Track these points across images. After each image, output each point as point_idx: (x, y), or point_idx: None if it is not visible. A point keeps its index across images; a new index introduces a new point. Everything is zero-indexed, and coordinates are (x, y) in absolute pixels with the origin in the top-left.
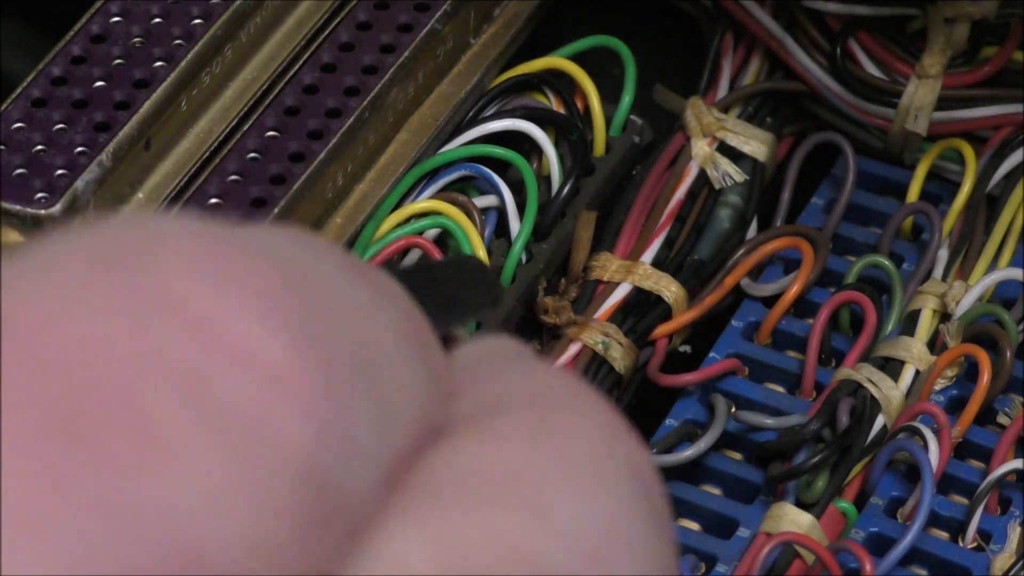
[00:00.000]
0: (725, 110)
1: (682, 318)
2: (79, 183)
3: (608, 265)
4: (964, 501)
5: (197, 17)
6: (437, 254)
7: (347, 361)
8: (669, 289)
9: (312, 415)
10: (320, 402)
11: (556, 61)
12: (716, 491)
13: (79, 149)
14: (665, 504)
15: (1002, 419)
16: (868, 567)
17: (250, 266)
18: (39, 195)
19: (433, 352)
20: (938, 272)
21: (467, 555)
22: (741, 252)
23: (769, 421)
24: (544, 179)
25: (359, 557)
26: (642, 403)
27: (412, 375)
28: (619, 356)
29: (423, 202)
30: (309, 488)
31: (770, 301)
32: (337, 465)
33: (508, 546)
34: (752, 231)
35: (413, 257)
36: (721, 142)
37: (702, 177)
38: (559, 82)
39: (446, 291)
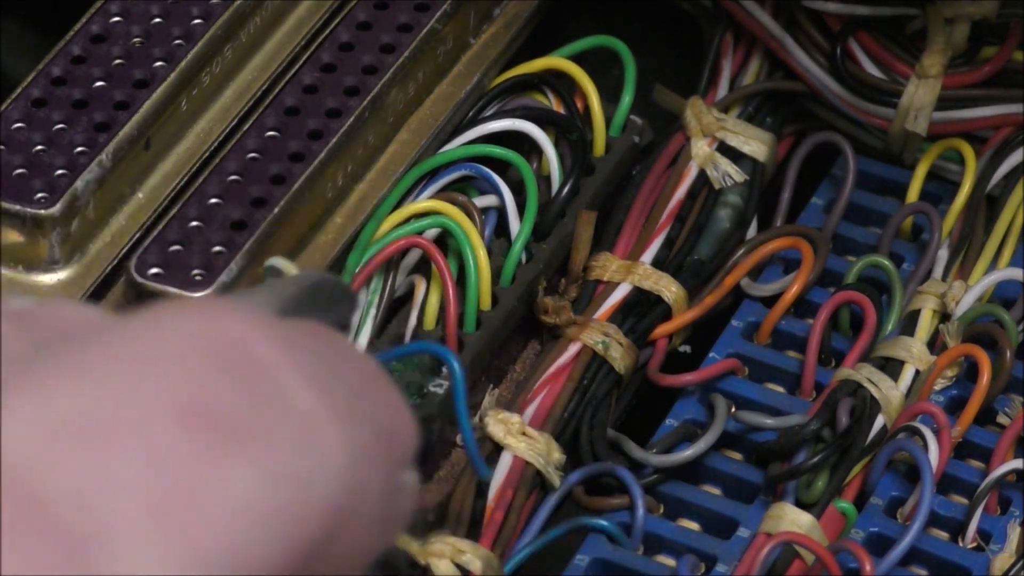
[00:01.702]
0: (725, 110)
1: (682, 318)
2: (79, 183)
3: (608, 265)
4: (964, 501)
5: (197, 17)
6: (437, 254)
7: None
8: (669, 289)
9: None
10: None
11: (556, 61)
12: (716, 491)
13: (79, 149)
14: None
15: (1002, 419)
16: (868, 567)
17: None
18: (39, 195)
19: None
20: (938, 272)
21: None
22: (741, 252)
23: (769, 421)
24: (544, 179)
25: None
26: (642, 403)
27: None
28: (619, 356)
29: (423, 202)
30: None
31: (770, 301)
32: None
33: None
34: (752, 231)
35: (413, 257)
36: (721, 142)
37: (702, 177)
38: (559, 82)
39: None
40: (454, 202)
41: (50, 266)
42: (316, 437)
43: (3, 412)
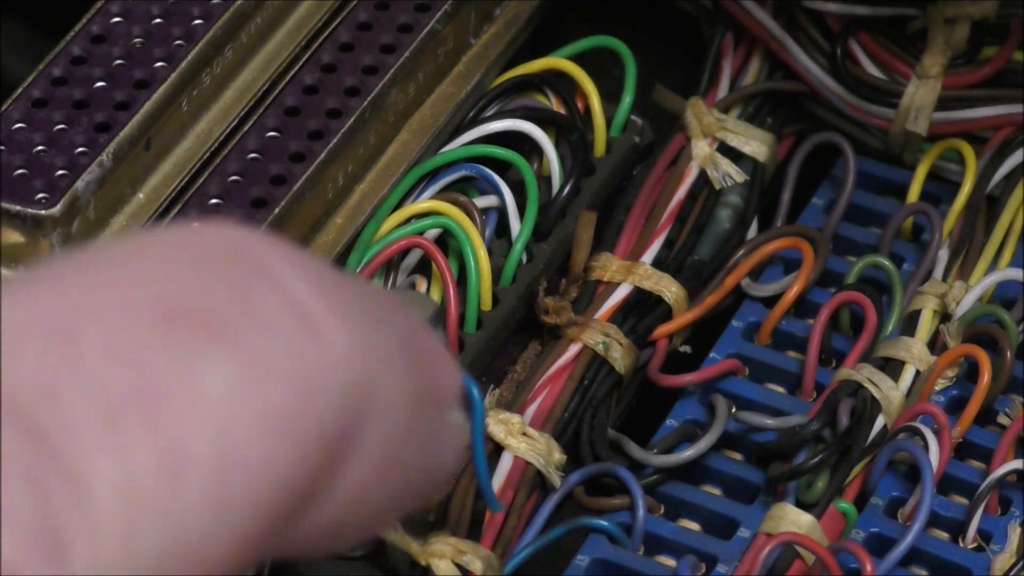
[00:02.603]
0: (725, 110)
1: (682, 318)
2: (79, 183)
3: (608, 265)
4: (964, 501)
5: (198, 17)
6: (438, 254)
7: None
8: (669, 289)
9: None
10: None
11: (556, 61)
12: (716, 491)
13: (80, 149)
14: None
15: (1002, 419)
16: (868, 567)
17: None
18: (40, 195)
19: None
20: (938, 272)
21: None
22: (741, 252)
23: (769, 421)
24: (544, 179)
25: None
26: (642, 403)
27: None
28: (619, 356)
29: (424, 202)
30: None
31: (770, 301)
32: None
33: None
34: (752, 231)
35: (414, 257)
36: (721, 142)
37: (702, 177)
38: (560, 82)
39: None
40: (455, 202)
41: None
42: (315, 329)
43: None
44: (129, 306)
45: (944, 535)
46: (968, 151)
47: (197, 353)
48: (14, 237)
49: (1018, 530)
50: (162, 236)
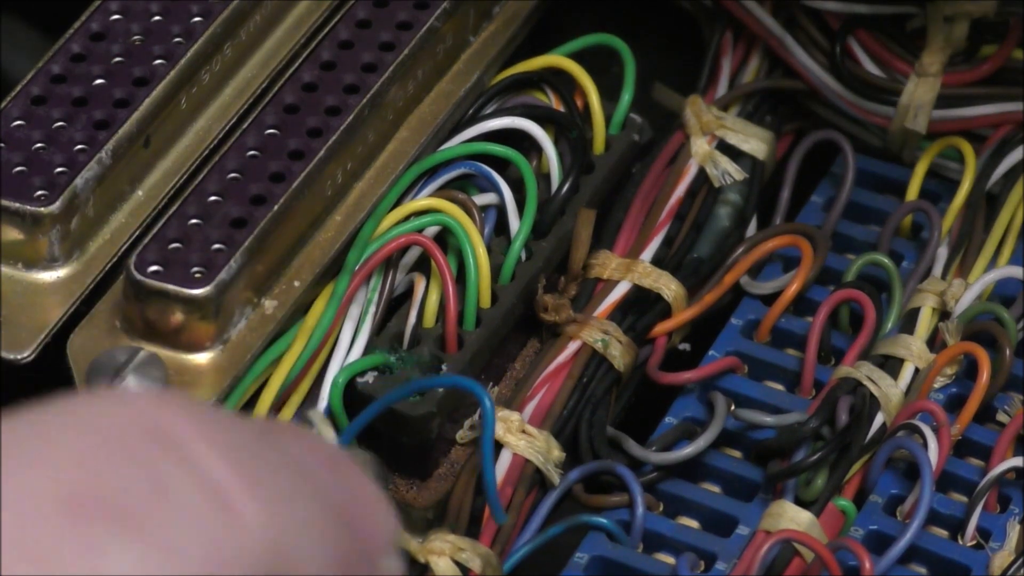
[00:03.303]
0: (724, 108)
1: (681, 316)
2: (78, 181)
3: (607, 263)
4: (963, 499)
5: (197, 15)
6: (437, 252)
7: None
8: (668, 287)
9: None
10: None
11: (556, 59)
12: (715, 489)
13: (79, 147)
14: None
15: (1001, 417)
16: (867, 565)
17: None
18: (39, 193)
19: None
20: (937, 270)
21: None
22: (740, 250)
23: (768, 419)
24: (544, 177)
25: None
26: (641, 401)
27: None
28: (618, 354)
29: (423, 200)
30: None
31: (770, 299)
32: None
33: None
34: (751, 229)
35: (413, 255)
36: (720, 140)
37: (701, 175)
38: (559, 80)
39: None
40: (454, 200)
41: (50, 264)
42: (228, 506)
43: None
44: (37, 495)
45: (943, 533)
46: (967, 149)
47: (105, 543)
48: (13, 234)
49: (1017, 527)
50: (76, 412)
